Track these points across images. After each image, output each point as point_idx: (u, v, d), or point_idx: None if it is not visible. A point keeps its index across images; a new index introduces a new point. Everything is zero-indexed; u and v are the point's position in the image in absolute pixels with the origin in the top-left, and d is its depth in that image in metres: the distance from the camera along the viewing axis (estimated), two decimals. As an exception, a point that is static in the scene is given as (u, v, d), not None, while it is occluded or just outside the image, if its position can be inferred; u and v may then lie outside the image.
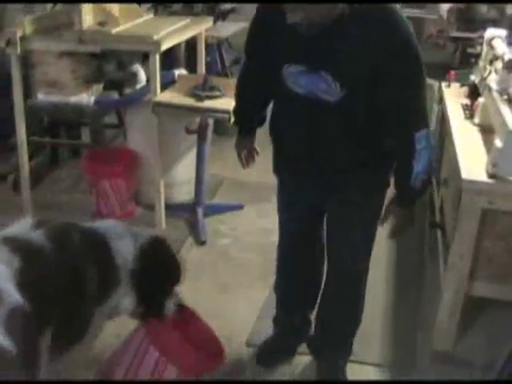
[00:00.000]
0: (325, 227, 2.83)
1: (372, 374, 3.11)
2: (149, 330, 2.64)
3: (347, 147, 2.50)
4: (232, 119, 2.96)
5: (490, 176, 2.85)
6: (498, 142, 2.85)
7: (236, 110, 2.90)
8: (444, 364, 3.16)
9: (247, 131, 2.89)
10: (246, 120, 2.88)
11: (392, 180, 2.63)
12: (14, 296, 1.95)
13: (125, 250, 2.49)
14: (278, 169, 2.79)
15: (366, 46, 2.26)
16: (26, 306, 1.96)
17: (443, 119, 4.11)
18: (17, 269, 2.04)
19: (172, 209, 4.43)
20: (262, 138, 2.87)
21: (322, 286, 2.98)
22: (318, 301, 3.02)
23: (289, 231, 2.89)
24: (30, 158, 4.49)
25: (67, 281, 2.23)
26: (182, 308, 2.68)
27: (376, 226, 2.73)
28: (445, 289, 3.11)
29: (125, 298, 2.52)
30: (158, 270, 2.58)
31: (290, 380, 2.66)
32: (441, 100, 4.33)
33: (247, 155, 2.92)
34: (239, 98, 2.84)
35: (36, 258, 2.16)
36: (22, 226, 2.31)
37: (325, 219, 2.81)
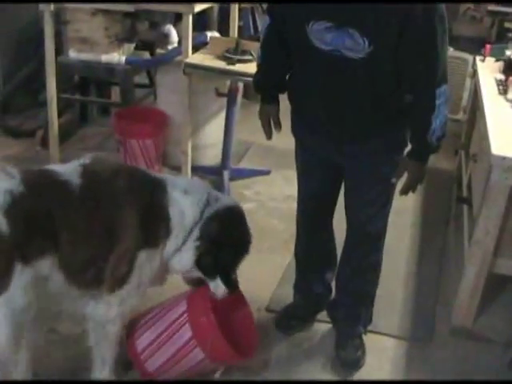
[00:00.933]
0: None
1: (390, 345, 3.11)
2: (191, 305, 2.61)
3: (369, 104, 2.49)
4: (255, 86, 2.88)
5: (521, 152, 2.81)
6: (532, 119, 2.81)
7: (258, 76, 2.84)
8: (463, 340, 3.16)
9: (271, 98, 2.84)
10: (268, 86, 2.82)
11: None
12: None
13: (186, 205, 2.50)
14: (296, 128, 2.79)
15: (394, 2, 2.25)
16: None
17: (476, 94, 4.05)
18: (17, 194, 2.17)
19: (198, 171, 4.43)
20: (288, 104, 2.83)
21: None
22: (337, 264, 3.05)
23: (307, 193, 2.90)
24: (59, 114, 4.53)
25: (88, 212, 2.32)
26: (234, 289, 2.68)
27: (392, 188, 2.73)
28: (468, 264, 3.09)
29: (181, 255, 2.53)
30: (232, 239, 2.58)
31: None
32: (474, 74, 4.27)
33: (271, 125, 2.87)
34: (262, 62, 2.78)
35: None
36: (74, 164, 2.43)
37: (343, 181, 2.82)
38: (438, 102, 2.39)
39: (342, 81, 2.46)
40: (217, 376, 2.73)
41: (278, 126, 2.83)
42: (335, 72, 2.45)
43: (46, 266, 2.23)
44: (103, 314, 2.46)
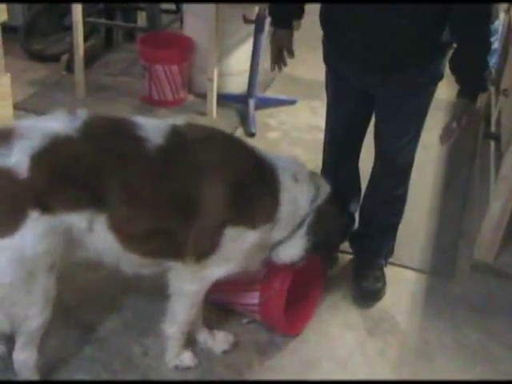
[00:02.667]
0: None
1: (411, 278, 3.12)
2: (269, 270, 2.57)
3: (411, 33, 2.41)
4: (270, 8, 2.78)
5: (555, 88, 2.76)
6: None
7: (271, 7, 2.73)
8: (483, 275, 3.16)
9: (285, 22, 2.71)
10: (283, 8, 2.70)
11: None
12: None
13: (298, 194, 2.35)
14: (330, 56, 2.72)
15: None
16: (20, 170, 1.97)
17: (509, 29, 3.95)
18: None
19: (224, 99, 4.40)
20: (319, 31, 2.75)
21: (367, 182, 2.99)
22: (362, 196, 3.04)
23: (338, 122, 2.87)
24: (85, 39, 4.48)
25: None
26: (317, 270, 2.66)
27: (423, 120, 2.70)
28: (493, 200, 3.07)
29: (288, 248, 2.42)
30: (334, 232, 2.56)
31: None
32: (509, 9, 4.15)
33: (280, 54, 2.74)
34: None
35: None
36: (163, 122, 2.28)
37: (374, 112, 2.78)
38: (492, 39, 2.34)
39: (383, 7, 2.36)
40: (244, 321, 2.75)
41: (291, 54, 2.74)
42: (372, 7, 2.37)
43: (84, 219, 2.08)
44: (185, 280, 2.34)
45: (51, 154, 2.02)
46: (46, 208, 2.00)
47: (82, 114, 2.18)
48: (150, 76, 4.35)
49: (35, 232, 1.99)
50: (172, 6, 5.25)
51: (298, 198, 2.35)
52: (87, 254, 2.22)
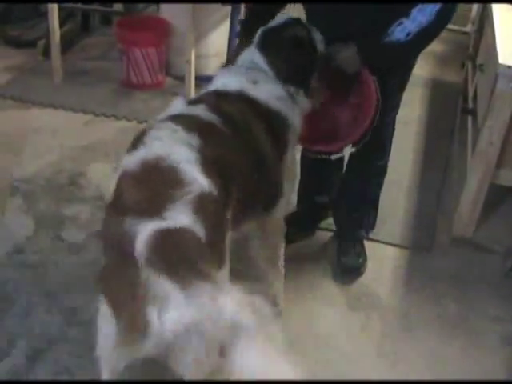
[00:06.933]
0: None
1: (391, 254, 3.16)
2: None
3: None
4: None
5: (528, 62, 2.78)
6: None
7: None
8: (463, 249, 3.21)
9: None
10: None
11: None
12: (201, 181, 1.85)
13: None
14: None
15: None
16: (213, 191, 1.87)
17: (485, 4, 3.97)
18: (198, 150, 1.95)
19: (202, 80, 4.38)
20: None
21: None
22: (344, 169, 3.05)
23: None
24: (61, 24, 4.45)
25: (244, 150, 2.15)
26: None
27: (402, 95, 2.73)
28: (470, 175, 3.11)
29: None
30: None
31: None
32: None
33: None
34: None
35: (211, 135, 2.07)
36: (180, 104, 2.24)
37: None
38: None
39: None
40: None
41: None
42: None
43: None
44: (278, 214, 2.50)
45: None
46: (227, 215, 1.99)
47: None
48: (128, 60, 4.34)
49: None
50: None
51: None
52: None
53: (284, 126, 2.38)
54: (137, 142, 1.99)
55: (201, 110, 2.16)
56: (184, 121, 2.06)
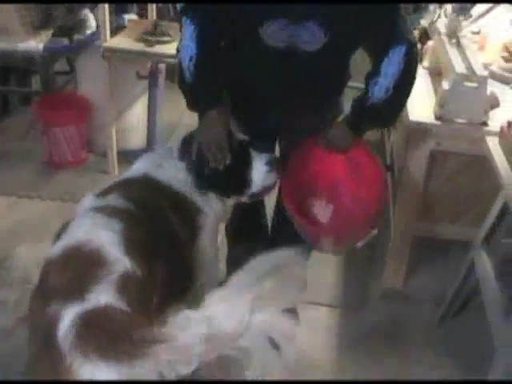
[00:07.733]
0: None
1: (322, 315, 3.18)
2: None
3: (319, 90, 2.51)
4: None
5: (438, 118, 2.89)
6: (445, 84, 2.88)
7: (193, 88, 2.50)
8: (394, 301, 3.26)
9: (215, 99, 2.49)
10: (209, 93, 2.50)
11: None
12: (124, 261, 1.88)
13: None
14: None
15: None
16: (137, 270, 1.88)
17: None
18: (119, 233, 1.98)
19: (125, 155, 4.40)
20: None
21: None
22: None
23: None
24: (-20, 106, 4.41)
25: (161, 236, 2.17)
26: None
27: None
28: (394, 229, 3.18)
29: None
30: None
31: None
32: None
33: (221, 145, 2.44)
34: (200, 73, 2.45)
35: (129, 219, 2.09)
36: (90, 199, 2.23)
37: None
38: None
39: (293, 72, 2.43)
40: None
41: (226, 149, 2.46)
42: (287, 65, 2.41)
43: None
44: None
45: None
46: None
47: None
48: (49, 139, 4.32)
49: None
50: (66, 67, 5.24)
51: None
52: None
53: (192, 209, 2.42)
54: (60, 232, 2.02)
55: (112, 200, 2.20)
56: (102, 210, 2.10)
